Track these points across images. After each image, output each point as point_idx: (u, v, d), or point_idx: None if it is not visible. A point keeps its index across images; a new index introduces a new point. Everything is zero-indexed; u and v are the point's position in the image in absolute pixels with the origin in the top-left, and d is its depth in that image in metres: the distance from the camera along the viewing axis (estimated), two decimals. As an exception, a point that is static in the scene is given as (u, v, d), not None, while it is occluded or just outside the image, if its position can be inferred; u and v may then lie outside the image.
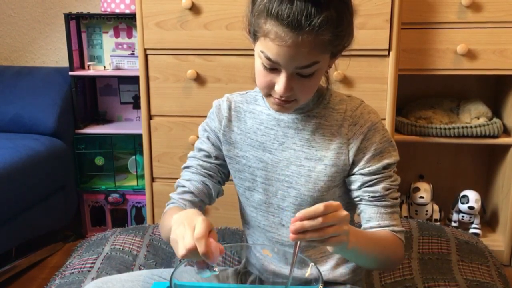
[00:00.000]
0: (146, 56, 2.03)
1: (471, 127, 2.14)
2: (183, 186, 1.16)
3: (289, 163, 1.12)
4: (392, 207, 1.10)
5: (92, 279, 1.41)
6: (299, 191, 1.11)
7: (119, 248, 1.62)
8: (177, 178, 1.20)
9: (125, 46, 2.47)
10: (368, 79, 1.96)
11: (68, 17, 2.35)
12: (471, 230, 2.24)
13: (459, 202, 2.24)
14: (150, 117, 2.08)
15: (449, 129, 2.15)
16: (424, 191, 2.29)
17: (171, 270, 0.99)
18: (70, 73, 2.38)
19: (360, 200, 1.11)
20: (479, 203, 2.22)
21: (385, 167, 1.09)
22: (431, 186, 2.31)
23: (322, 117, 1.11)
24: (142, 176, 2.32)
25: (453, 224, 2.28)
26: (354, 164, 1.10)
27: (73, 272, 1.50)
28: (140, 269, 1.52)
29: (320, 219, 0.87)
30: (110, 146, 2.45)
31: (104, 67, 2.47)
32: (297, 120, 1.12)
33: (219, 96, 1.22)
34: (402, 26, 1.93)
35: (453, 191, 2.32)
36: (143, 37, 2.00)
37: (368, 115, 1.10)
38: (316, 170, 1.10)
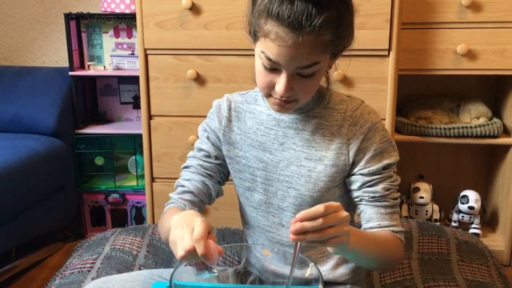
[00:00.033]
0: (146, 56, 2.03)
1: (471, 127, 2.14)
2: (183, 186, 1.16)
3: (289, 163, 1.12)
4: (392, 208, 1.10)
5: (92, 279, 1.41)
6: (299, 191, 1.11)
7: (119, 248, 1.62)
8: (177, 178, 1.20)
9: (125, 46, 2.47)
10: (368, 79, 1.96)
11: (68, 17, 2.35)
12: (471, 230, 2.24)
13: (459, 202, 2.24)
14: (150, 117, 2.08)
15: (449, 129, 2.15)
16: (424, 191, 2.29)
17: (171, 270, 0.99)
18: (70, 73, 2.38)
19: (360, 200, 1.11)
20: (479, 203, 2.22)
21: (385, 167, 1.09)
22: (431, 186, 2.31)
23: (322, 117, 1.11)
24: (142, 176, 2.32)
25: (453, 224, 2.28)
26: (354, 164, 1.10)
27: (73, 272, 1.50)
28: (140, 269, 1.52)
29: (320, 220, 0.87)
30: (110, 146, 2.45)
31: (104, 67, 2.47)
32: (297, 120, 1.12)
33: (219, 96, 1.22)
34: (402, 26, 1.93)
35: (453, 191, 2.32)
36: (143, 37, 2.00)
37: (368, 115, 1.10)
38: (316, 170, 1.10)
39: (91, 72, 2.42)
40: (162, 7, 1.97)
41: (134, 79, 2.39)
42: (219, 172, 1.20)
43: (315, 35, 0.94)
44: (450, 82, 2.36)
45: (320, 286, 0.91)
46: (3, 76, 2.49)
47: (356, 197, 1.12)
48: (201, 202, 1.17)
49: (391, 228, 1.09)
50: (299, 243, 0.90)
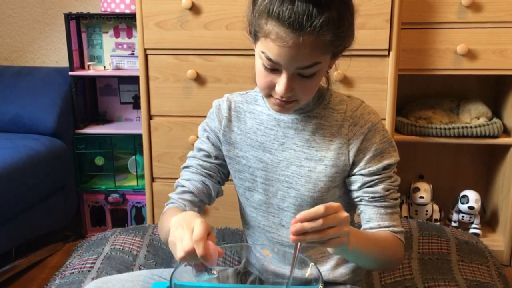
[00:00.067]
0: (146, 56, 2.03)
1: (471, 127, 2.14)
2: (183, 186, 1.16)
3: (289, 163, 1.12)
4: (392, 208, 1.10)
5: (92, 279, 1.41)
6: (299, 192, 1.11)
7: (119, 248, 1.62)
8: (177, 178, 1.20)
9: (125, 46, 2.47)
10: (368, 79, 1.96)
11: (68, 17, 2.35)
12: (471, 230, 2.24)
13: (459, 202, 2.24)
14: (150, 117, 2.08)
15: (449, 129, 2.15)
16: (424, 191, 2.29)
17: (171, 270, 0.99)
18: (70, 73, 2.38)
19: (360, 200, 1.11)
20: (479, 203, 2.22)
21: (385, 168, 1.09)
22: (431, 186, 2.31)
23: (322, 118, 1.11)
24: (142, 176, 2.32)
25: (453, 224, 2.28)
26: (354, 164, 1.10)
27: (73, 272, 1.50)
28: (140, 269, 1.52)
29: (320, 221, 0.87)
30: (110, 146, 2.45)
31: (104, 67, 2.47)
32: (297, 120, 1.12)
33: (219, 96, 1.22)
34: (402, 26, 1.93)
35: (453, 191, 2.32)
36: (143, 37, 2.00)
37: (368, 115, 1.10)
38: (316, 170, 1.10)
39: (91, 72, 2.42)
40: (162, 7, 1.97)
41: (134, 79, 2.39)
42: (219, 172, 1.20)
43: (316, 36, 0.94)
44: (450, 82, 2.36)
45: (320, 286, 0.91)
46: (3, 76, 2.49)
47: (356, 197, 1.12)
48: (201, 202, 1.17)
49: (391, 229, 1.09)
50: (299, 243, 0.90)
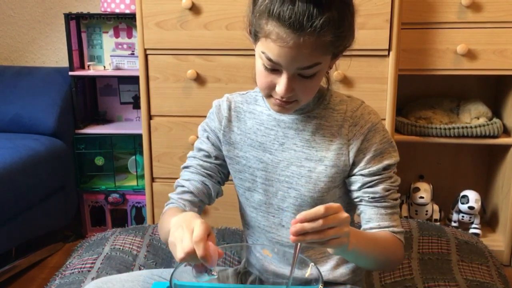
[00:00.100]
0: (146, 56, 2.03)
1: (471, 127, 2.14)
2: (183, 186, 1.16)
3: (289, 163, 1.12)
4: (392, 208, 1.10)
5: (92, 279, 1.41)
6: (299, 192, 1.11)
7: (119, 248, 1.62)
8: (177, 178, 1.20)
9: (125, 46, 2.47)
10: (368, 79, 1.96)
11: (68, 17, 2.35)
12: (471, 230, 2.24)
13: (459, 202, 2.24)
14: (150, 117, 2.08)
15: (449, 129, 2.15)
16: (424, 191, 2.29)
17: (171, 270, 0.99)
18: (70, 73, 2.38)
19: (360, 201, 1.11)
20: (479, 203, 2.22)
21: (385, 168, 1.09)
22: (431, 186, 2.31)
23: (322, 118, 1.11)
24: (142, 176, 2.32)
25: (453, 224, 2.28)
26: (354, 164, 1.10)
27: (73, 272, 1.50)
28: (140, 269, 1.52)
29: (320, 221, 0.87)
30: (110, 146, 2.45)
31: (104, 67, 2.47)
32: (297, 120, 1.12)
33: (219, 96, 1.22)
34: (402, 26, 1.93)
35: (453, 191, 2.32)
36: (143, 37, 2.00)
37: (368, 115, 1.10)
38: (316, 170, 1.10)
39: (91, 72, 2.42)
40: (162, 7, 1.97)
41: (134, 79, 2.39)
42: (219, 172, 1.20)
43: (316, 36, 0.94)
44: (450, 82, 2.36)
45: (320, 286, 0.91)
46: (3, 76, 2.49)
47: (356, 198, 1.12)
48: (201, 202, 1.17)
49: (391, 229, 1.09)
50: (299, 244, 0.90)
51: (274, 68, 1.00)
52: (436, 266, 1.56)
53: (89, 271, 1.48)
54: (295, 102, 1.04)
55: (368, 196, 1.09)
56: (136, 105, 2.53)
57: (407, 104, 2.33)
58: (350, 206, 1.15)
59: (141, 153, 2.20)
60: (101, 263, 1.52)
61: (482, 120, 2.18)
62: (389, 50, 1.93)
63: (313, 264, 0.98)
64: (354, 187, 1.11)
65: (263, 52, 0.99)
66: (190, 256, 0.86)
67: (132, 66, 2.42)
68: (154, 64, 2.03)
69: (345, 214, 0.90)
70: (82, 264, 1.53)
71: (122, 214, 2.50)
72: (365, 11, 1.87)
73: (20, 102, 2.39)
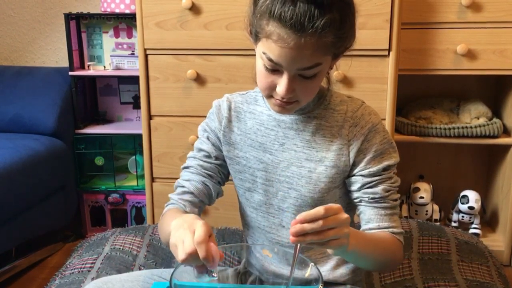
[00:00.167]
0: (146, 56, 2.03)
1: (471, 127, 2.14)
2: (183, 187, 1.16)
3: (289, 164, 1.12)
4: (391, 209, 1.10)
5: (92, 279, 1.41)
6: (299, 192, 1.11)
7: (119, 248, 1.62)
8: (177, 178, 1.20)
9: (125, 46, 2.47)
10: (368, 79, 1.96)
11: (68, 17, 2.35)
12: (471, 230, 2.24)
13: (459, 202, 2.24)
14: (150, 117, 2.08)
15: (449, 129, 2.15)
16: (424, 191, 2.29)
17: (171, 270, 0.99)
18: (70, 73, 2.38)
19: (360, 201, 1.11)
20: (479, 203, 2.22)
21: (385, 169, 1.09)
22: (431, 186, 2.31)
23: (322, 118, 1.11)
24: (142, 176, 2.32)
25: (453, 224, 2.28)
26: (354, 165, 1.10)
27: (73, 272, 1.50)
28: (140, 269, 1.52)
29: (320, 222, 0.87)
30: (110, 146, 2.45)
31: (104, 67, 2.47)
32: (297, 121, 1.12)
33: (219, 96, 1.22)
34: (402, 26, 1.93)
35: (453, 191, 2.32)
36: (143, 37, 2.00)
37: (368, 116, 1.10)
38: (316, 171, 1.10)
39: (91, 72, 2.42)
40: (162, 7, 1.97)
41: (134, 79, 2.39)
42: (219, 172, 1.20)
43: (317, 37, 0.94)
44: (450, 82, 2.36)
45: (320, 286, 0.91)
46: (3, 76, 2.49)
47: (356, 198, 1.12)
48: (201, 203, 1.16)
49: (390, 230, 1.09)
50: (299, 244, 0.90)
51: (274, 69, 1.00)
52: (436, 266, 1.56)
53: (89, 271, 1.48)
54: (296, 103, 1.04)
55: (368, 197, 1.09)
56: (136, 105, 2.53)
57: (407, 104, 2.33)
58: (350, 206, 1.15)
59: (141, 153, 2.20)
60: (101, 263, 1.52)
61: (482, 120, 2.18)
62: (389, 50, 1.93)
63: (313, 264, 0.98)
64: (354, 187, 1.11)
65: (264, 53, 0.99)
66: (192, 257, 0.86)
67: (132, 66, 2.42)
68: (154, 64, 2.03)
69: (345, 215, 0.90)
70: (82, 264, 1.53)
71: (122, 214, 2.50)
72: (365, 11, 1.87)
73: (20, 102, 2.39)
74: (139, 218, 2.47)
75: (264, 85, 1.03)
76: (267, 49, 0.98)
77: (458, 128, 2.14)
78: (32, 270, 2.20)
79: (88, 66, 2.45)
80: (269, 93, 1.04)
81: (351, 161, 1.10)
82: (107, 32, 2.46)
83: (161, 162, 2.11)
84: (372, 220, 1.10)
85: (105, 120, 2.57)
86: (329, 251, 0.96)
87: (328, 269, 1.17)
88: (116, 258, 1.56)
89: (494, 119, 2.19)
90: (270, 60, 0.98)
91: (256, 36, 1.01)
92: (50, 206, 2.27)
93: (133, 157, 2.47)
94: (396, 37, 1.91)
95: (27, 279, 2.14)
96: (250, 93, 1.20)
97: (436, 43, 2.07)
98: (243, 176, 1.16)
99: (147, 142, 2.09)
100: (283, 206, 1.14)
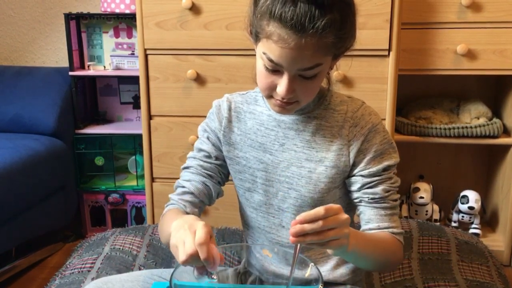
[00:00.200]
0: (146, 56, 2.03)
1: (471, 127, 2.14)
2: (183, 187, 1.16)
3: (289, 164, 1.12)
4: (391, 209, 1.10)
5: (92, 279, 1.41)
6: (299, 193, 1.11)
7: (119, 248, 1.62)
8: (177, 178, 1.20)
9: (125, 46, 2.47)
10: (368, 79, 1.96)
11: (68, 17, 2.35)
12: (471, 230, 2.24)
13: (459, 202, 2.24)
14: (150, 117, 2.08)
15: (449, 129, 2.15)
16: (424, 191, 2.29)
17: (171, 270, 0.99)
18: (70, 73, 2.38)
19: (360, 201, 1.11)
20: (479, 203, 2.22)
21: (385, 169, 1.09)
22: (431, 186, 2.31)
23: (322, 118, 1.11)
24: (142, 176, 2.32)
25: (453, 224, 2.28)
26: (354, 165, 1.10)
27: (73, 272, 1.50)
28: (140, 269, 1.52)
29: (320, 222, 0.87)
30: (110, 146, 2.45)
31: (104, 67, 2.47)
32: (297, 121, 1.12)
33: (219, 96, 1.22)
34: (402, 26, 1.93)
35: (453, 191, 2.32)
36: (143, 37, 2.00)
37: (369, 116, 1.10)
38: (316, 171, 1.10)
39: (91, 72, 2.42)
40: (162, 7, 1.97)
41: (134, 79, 2.39)
42: (220, 172, 1.20)
43: (318, 37, 0.94)
44: (450, 82, 2.36)
45: (320, 286, 0.91)
46: (3, 76, 2.49)
47: (356, 198, 1.12)
48: (201, 203, 1.16)
49: (390, 230, 1.09)
50: (299, 245, 0.90)
51: (275, 69, 0.99)
52: (436, 266, 1.56)
53: (89, 271, 1.48)
54: (296, 103, 1.04)
55: (368, 197, 1.09)
56: (136, 105, 2.53)
57: (407, 104, 2.33)
58: (350, 206, 1.15)
59: (141, 153, 2.20)
60: (101, 263, 1.52)
61: (482, 120, 2.18)
62: (389, 50, 1.93)
63: (313, 264, 0.98)
64: (354, 187, 1.11)
65: (264, 53, 0.99)
66: (193, 258, 0.86)
67: (132, 66, 2.42)
68: (154, 64, 2.03)
69: (345, 216, 0.90)
70: (82, 264, 1.53)
71: (122, 214, 2.50)
72: (365, 11, 1.87)
73: (20, 102, 2.39)
74: (139, 218, 2.47)
75: (264, 86, 1.03)
76: (268, 50, 0.97)
77: (458, 128, 2.14)
78: (32, 270, 2.20)
79: (88, 66, 2.45)
80: (269, 93, 1.04)
81: (351, 161, 1.10)
82: (107, 32, 2.46)
83: (161, 162, 2.11)
84: (372, 220, 1.10)
85: (105, 120, 2.57)
86: (329, 251, 0.96)
87: (328, 269, 1.17)
88: (116, 258, 1.56)
89: (494, 119, 2.19)
90: (270, 60, 0.98)
91: (256, 37, 1.01)
92: (50, 206, 2.27)
93: (133, 157, 2.47)
94: (396, 37, 1.91)
95: (27, 279, 2.14)
96: (250, 93, 1.19)
97: (436, 43, 2.07)
98: (243, 176, 1.16)
99: (147, 142, 2.09)
100: (283, 206, 1.14)
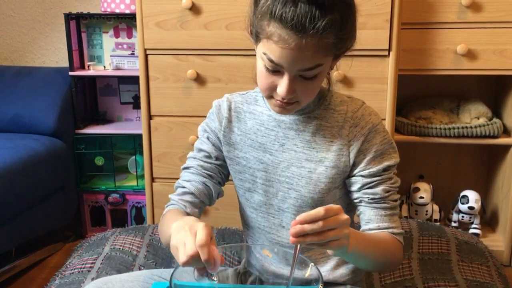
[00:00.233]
0: (146, 56, 2.03)
1: (471, 127, 2.14)
2: (183, 187, 1.16)
3: (289, 164, 1.12)
4: (391, 209, 1.10)
5: (92, 279, 1.41)
6: (299, 193, 1.11)
7: (119, 248, 1.62)
8: (177, 178, 1.20)
9: (125, 46, 2.47)
10: (368, 79, 1.96)
11: (68, 17, 2.35)
12: (471, 230, 2.24)
13: (459, 202, 2.24)
14: (150, 117, 2.08)
15: (449, 129, 2.15)
16: (424, 191, 2.29)
17: (171, 270, 0.99)
18: (70, 73, 2.38)
19: (360, 201, 1.11)
20: (479, 203, 2.22)
21: (385, 169, 1.09)
22: (431, 186, 2.31)
23: (322, 119, 1.11)
24: (142, 176, 2.32)
25: (453, 224, 2.28)
26: (354, 165, 1.10)
27: (73, 272, 1.50)
28: (140, 269, 1.52)
29: (320, 223, 0.87)
30: (110, 146, 2.45)
31: (104, 67, 2.47)
32: (297, 121, 1.12)
33: (219, 96, 1.22)
34: (402, 26, 1.93)
35: (453, 191, 2.32)
36: (143, 37, 2.00)
37: (369, 116, 1.10)
38: (316, 171, 1.10)
39: (91, 72, 2.42)
40: (162, 7, 1.97)
41: (134, 79, 2.39)
42: (220, 172, 1.20)
43: (318, 38, 0.94)
44: (450, 82, 2.36)
45: (320, 286, 0.91)
46: (3, 76, 2.49)
47: (356, 199, 1.12)
48: (202, 203, 1.16)
49: (390, 230, 1.09)
50: (299, 245, 0.90)
51: (275, 69, 0.99)
52: (436, 266, 1.56)
53: (89, 271, 1.48)
54: (296, 103, 1.04)
55: (368, 197, 1.09)
56: (136, 105, 2.53)
57: (407, 104, 2.33)
58: (350, 206, 1.15)
59: (141, 153, 2.20)
60: (101, 263, 1.52)
61: (482, 120, 2.18)
62: (389, 50, 1.93)
63: (313, 264, 0.98)
64: (354, 188, 1.11)
65: (264, 53, 0.99)
66: (193, 260, 0.85)
67: (132, 66, 2.42)
68: (154, 64, 2.03)
69: (345, 216, 0.90)
70: (82, 264, 1.53)
71: (122, 214, 2.50)
72: (365, 11, 1.87)
73: (20, 102, 2.39)
74: (139, 218, 2.47)
75: (265, 86, 1.03)
76: (268, 50, 0.97)
77: (458, 128, 2.14)
78: (32, 270, 2.20)
79: (88, 66, 2.45)
80: (270, 93, 1.03)
81: (351, 161, 1.10)
82: (107, 32, 2.46)
83: (161, 162, 2.11)
84: (372, 220, 1.10)
85: (105, 120, 2.57)
86: (329, 251, 0.96)
87: (328, 269, 1.17)
88: (116, 258, 1.56)
89: (494, 119, 2.19)
90: (270, 60, 0.98)
91: (256, 37, 1.01)
92: (50, 206, 2.27)
93: (133, 157, 2.47)
94: (396, 37, 1.91)
95: (27, 279, 2.14)
96: (250, 93, 1.19)
97: (436, 43, 2.07)
98: (243, 177, 1.16)
99: (147, 142, 2.09)
100: (283, 206, 1.14)
